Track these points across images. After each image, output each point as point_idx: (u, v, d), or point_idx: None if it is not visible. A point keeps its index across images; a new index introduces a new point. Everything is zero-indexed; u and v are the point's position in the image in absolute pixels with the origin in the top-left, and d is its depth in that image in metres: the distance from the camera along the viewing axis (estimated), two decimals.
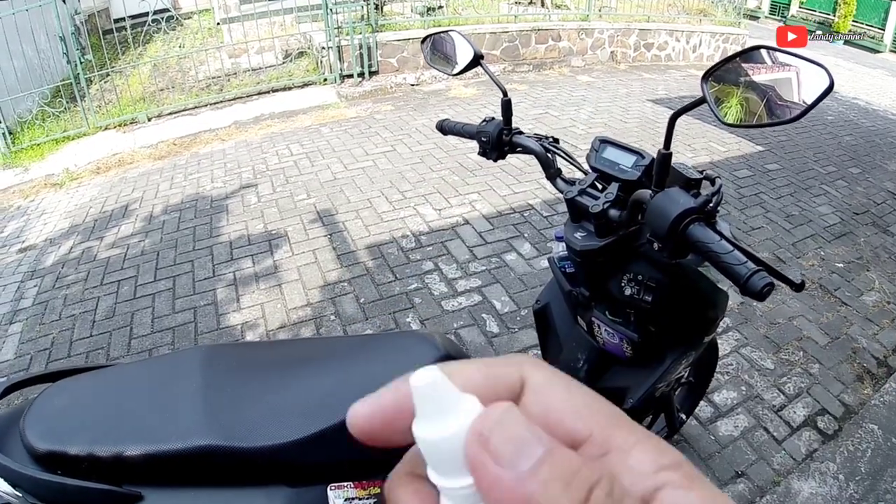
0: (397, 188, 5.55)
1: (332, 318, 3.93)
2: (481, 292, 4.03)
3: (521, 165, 5.58)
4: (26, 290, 5.04)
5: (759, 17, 23.33)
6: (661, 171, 1.35)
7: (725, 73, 1.30)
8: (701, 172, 1.42)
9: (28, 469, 1.45)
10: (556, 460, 0.26)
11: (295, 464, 1.39)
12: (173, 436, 1.38)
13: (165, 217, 5.69)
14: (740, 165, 6.47)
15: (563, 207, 4.53)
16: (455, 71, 1.90)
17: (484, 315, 3.83)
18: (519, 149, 1.80)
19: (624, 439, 0.28)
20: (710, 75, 1.31)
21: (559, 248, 1.79)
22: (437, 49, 2.01)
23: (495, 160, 1.86)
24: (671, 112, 1.31)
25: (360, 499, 1.41)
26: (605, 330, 1.72)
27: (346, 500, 1.39)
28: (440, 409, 0.29)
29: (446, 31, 1.96)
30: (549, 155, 1.75)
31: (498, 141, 1.81)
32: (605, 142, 1.58)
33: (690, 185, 1.35)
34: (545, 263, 4.07)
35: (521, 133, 1.81)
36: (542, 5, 10.74)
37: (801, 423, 3.14)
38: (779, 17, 23.47)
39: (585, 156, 1.63)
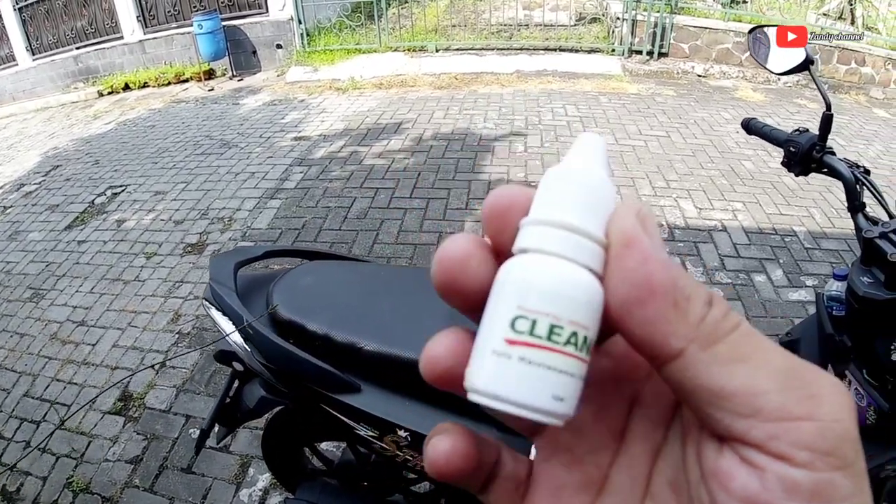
0: (663, 175, 5.21)
1: None
2: None
3: (795, 188, 4.99)
4: (292, 173, 5.36)
5: None
6: None
7: None
8: None
9: (265, 330, 1.51)
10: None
11: None
12: (411, 345, 1.41)
13: (434, 143, 5.80)
14: None
15: (828, 245, 4.07)
16: (780, 70, 1.79)
17: None
18: (826, 170, 1.66)
19: None
20: None
21: (834, 287, 1.65)
22: (763, 43, 1.89)
23: (797, 174, 1.73)
24: None
25: None
26: (855, 389, 1.57)
27: None
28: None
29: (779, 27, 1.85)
30: (858, 186, 1.58)
31: (807, 155, 1.67)
32: None
33: None
34: (794, 296, 3.64)
35: (833, 154, 1.66)
36: (852, 23, 9.61)
37: None
38: None
39: None
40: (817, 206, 4.59)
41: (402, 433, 1.44)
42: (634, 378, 0.32)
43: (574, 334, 0.27)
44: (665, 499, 0.29)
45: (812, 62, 1.68)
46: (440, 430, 0.31)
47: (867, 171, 1.61)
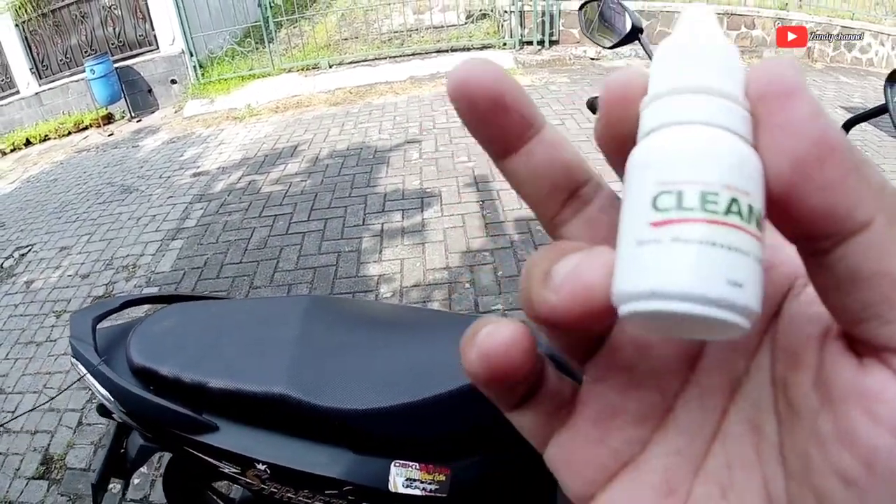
0: None
1: (467, 285, 3.83)
2: None
3: None
4: (193, 211, 5.37)
5: None
6: None
7: None
8: None
9: (121, 380, 1.53)
10: None
11: (364, 431, 1.38)
12: (255, 378, 1.43)
13: (330, 161, 5.86)
14: None
15: None
16: (610, 44, 1.71)
17: None
18: None
19: None
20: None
21: None
22: (594, 18, 1.80)
23: None
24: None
25: (422, 481, 1.35)
26: None
27: (407, 479, 1.36)
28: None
29: None
30: None
31: None
32: None
33: None
34: None
35: None
36: None
37: None
38: None
39: None
40: None
41: (260, 467, 1.46)
42: None
43: (734, 201, 0.21)
44: (741, 440, 0.24)
45: (641, 30, 1.59)
46: (490, 320, 0.25)
47: None
